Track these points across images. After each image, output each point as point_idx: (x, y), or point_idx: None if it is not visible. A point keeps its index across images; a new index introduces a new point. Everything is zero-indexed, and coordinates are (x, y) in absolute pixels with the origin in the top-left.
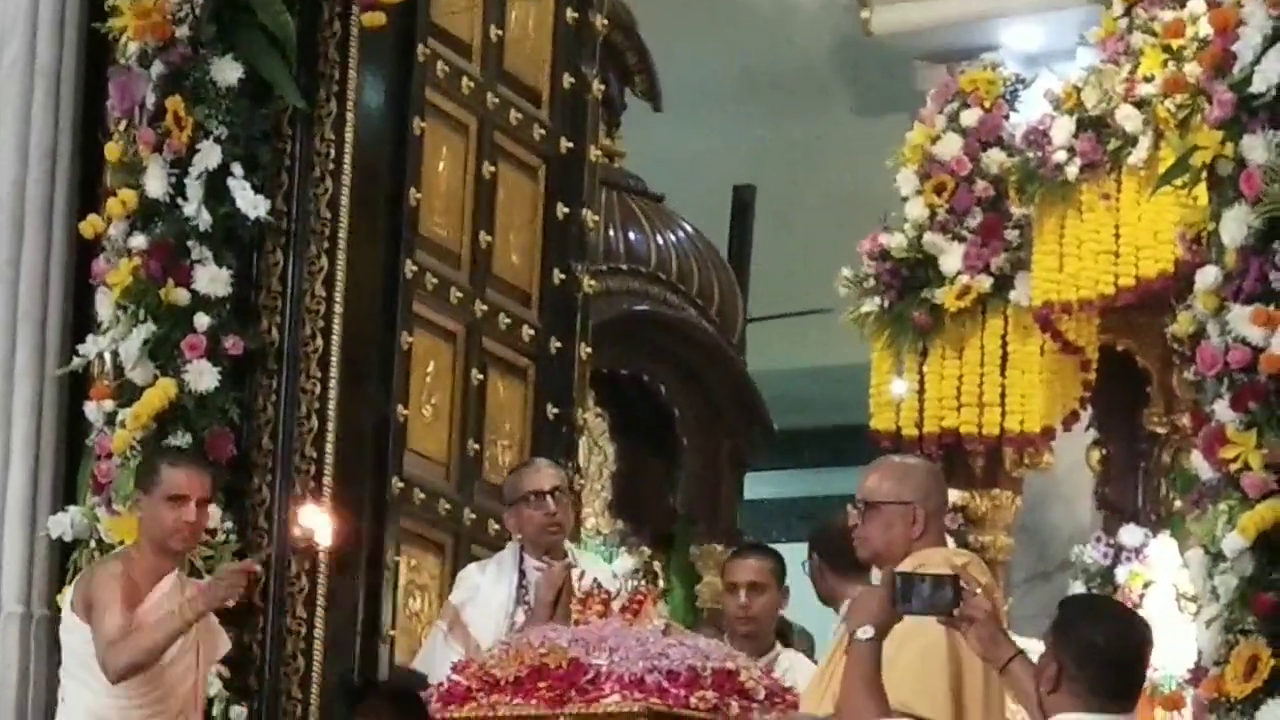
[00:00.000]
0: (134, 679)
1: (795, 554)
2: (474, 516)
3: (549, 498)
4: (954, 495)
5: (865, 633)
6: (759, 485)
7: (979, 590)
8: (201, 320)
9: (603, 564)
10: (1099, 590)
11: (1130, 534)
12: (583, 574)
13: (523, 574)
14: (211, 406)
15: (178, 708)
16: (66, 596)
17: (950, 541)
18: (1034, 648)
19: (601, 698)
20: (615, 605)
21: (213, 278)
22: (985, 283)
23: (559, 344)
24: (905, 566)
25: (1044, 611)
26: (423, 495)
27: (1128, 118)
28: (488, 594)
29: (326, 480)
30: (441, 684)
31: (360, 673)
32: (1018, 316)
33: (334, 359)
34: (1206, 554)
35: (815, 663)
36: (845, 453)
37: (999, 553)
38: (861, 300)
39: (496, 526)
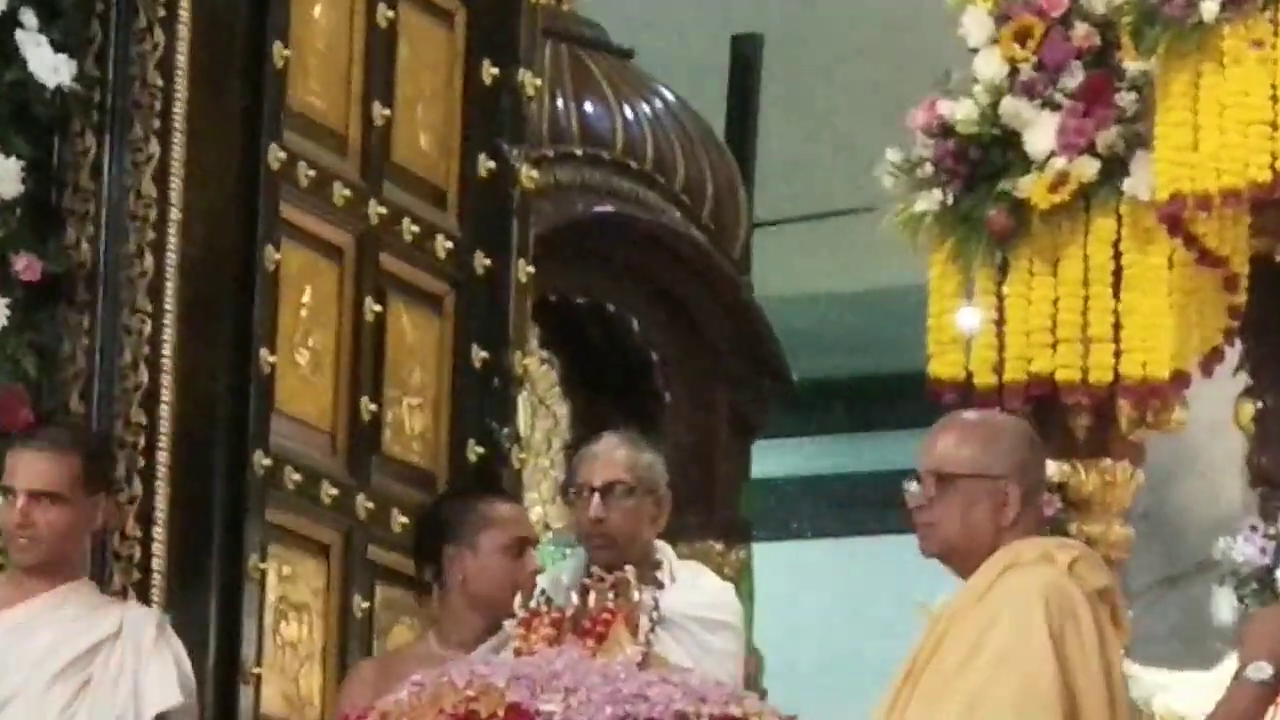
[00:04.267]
0: None
1: (827, 553)
2: (371, 506)
3: (595, 496)
4: (1049, 469)
5: (1260, 671)
6: (772, 458)
7: None
8: None
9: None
10: (1255, 600)
11: None
12: (640, 601)
13: (585, 590)
14: None
15: None
16: None
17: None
18: (1159, 682)
19: None
20: (571, 626)
21: None
22: (1089, 168)
23: (487, 261)
24: (994, 564)
25: (1175, 631)
26: (298, 476)
27: None
28: None
29: (161, 457)
30: None
31: None
32: (1135, 215)
33: (170, 286)
34: None
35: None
36: (892, 412)
37: (1111, 548)
38: (914, 196)
39: (404, 520)
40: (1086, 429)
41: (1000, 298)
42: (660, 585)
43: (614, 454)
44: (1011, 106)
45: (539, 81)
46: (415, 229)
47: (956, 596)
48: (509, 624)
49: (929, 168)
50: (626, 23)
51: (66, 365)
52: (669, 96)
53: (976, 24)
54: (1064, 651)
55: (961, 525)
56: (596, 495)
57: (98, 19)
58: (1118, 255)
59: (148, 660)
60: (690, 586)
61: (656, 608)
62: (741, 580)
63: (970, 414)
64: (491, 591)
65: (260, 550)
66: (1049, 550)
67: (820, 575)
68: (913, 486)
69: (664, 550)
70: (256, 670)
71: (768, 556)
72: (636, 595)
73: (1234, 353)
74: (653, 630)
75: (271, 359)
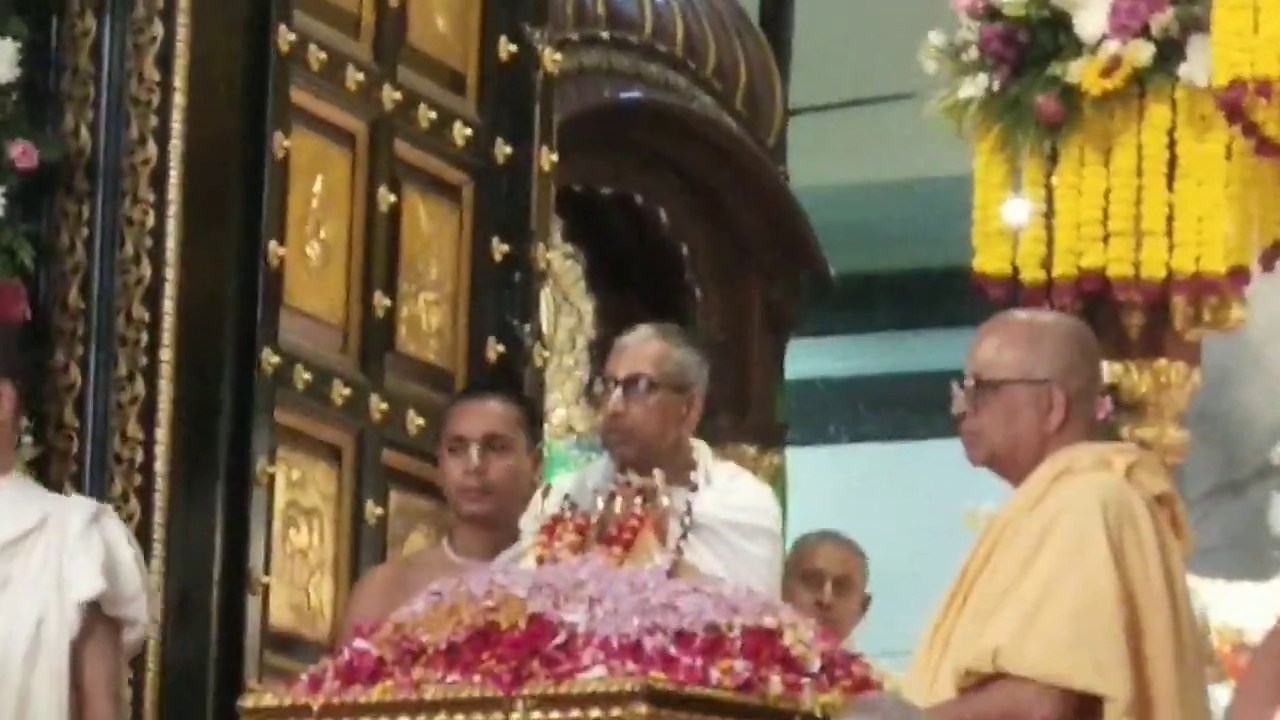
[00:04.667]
0: None
1: (867, 459)
2: (385, 407)
3: (616, 389)
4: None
5: None
6: (810, 358)
7: None
8: None
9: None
10: None
11: None
12: (670, 506)
13: (611, 495)
14: None
15: None
16: None
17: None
18: (1215, 594)
19: (577, 672)
20: (596, 534)
21: None
22: (1143, 52)
23: (508, 149)
24: (1047, 471)
25: (1233, 540)
26: (308, 376)
27: None
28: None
29: (164, 355)
30: (339, 652)
31: (224, 648)
32: (1192, 102)
33: (173, 174)
34: None
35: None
36: (937, 309)
37: (1167, 453)
38: (959, 81)
39: (420, 421)
40: (1140, 327)
41: (1049, 189)
42: (694, 487)
43: (643, 347)
44: None
45: None
46: (432, 115)
47: (1008, 505)
48: (529, 530)
49: (974, 52)
50: None
51: (65, 258)
52: None
53: None
54: (1124, 561)
55: (1006, 432)
56: (618, 388)
57: None
58: (1172, 144)
59: (74, 550)
60: (726, 489)
61: (689, 512)
62: (776, 487)
63: (1017, 314)
64: (447, 493)
65: (268, 453)
66: (1105, 455)
67: (860, 482)
68: (958, 391)
69: (700, 450)
70: (265, 579)
71: (804, 462)
72: (665, 501)
73: None
74: (684, 536)
75: (281, 252)
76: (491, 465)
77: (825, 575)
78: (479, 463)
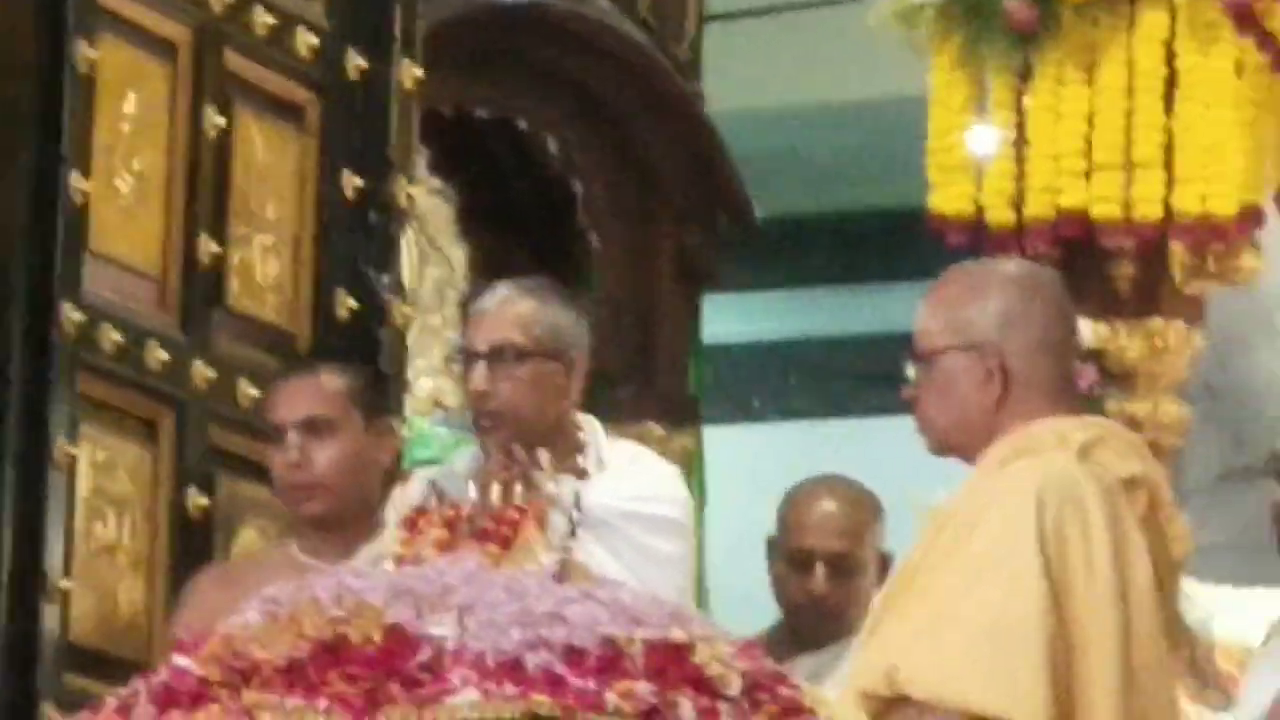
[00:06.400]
0: None
1: (798, 438)
2: (212, 375)
3: (480, 363)
4: (1082, 331)
5: None
6: (729, 318)
7: None
8: None
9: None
10: None
11: None
12: (554, 495)
13: (486, 483)
14: None
15: None
16: None
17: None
18: (1220, 600)
19: (445, 695)
20: (469, 528)
21: None
22: None
23: (362, 62)
24: (995, 454)
25: (1242, 537)
26: (118, 336)
27: None
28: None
29: None
30: (155, 672)
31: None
32: (1194, 6)
33: None
34: None
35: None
36: (884, 259)
37: (1161, 432)
38: None
39: (254, 392)
40: (1130, 280)
41: (1021, 112)
42: (583, 473)
43: (505, 310)
44: None
45: None
46: (270, 19)
47: (954, 497)
48: (393, 525)
49: None
50: None
51: None
52: None
53: None
54: (1062, 561)
55: (948, 413)
56: (482, 362)
57: None
58: (1170, 58)
59: None
60: (623, 474)
61: (577, 503)
62: (689, 472)
63: (962, 267)
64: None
65: (69, 430)
66: (1062, 432)
67: (790, 467)
68: (910, 371)
69: (589, 428)
70: (64, 584)
71: (722, 442)
72: (553, 487)
73: None
74: (573, 532)
75: (84, 186)
76: (315, 455)
77: (815, 555)
78: (298, 454)
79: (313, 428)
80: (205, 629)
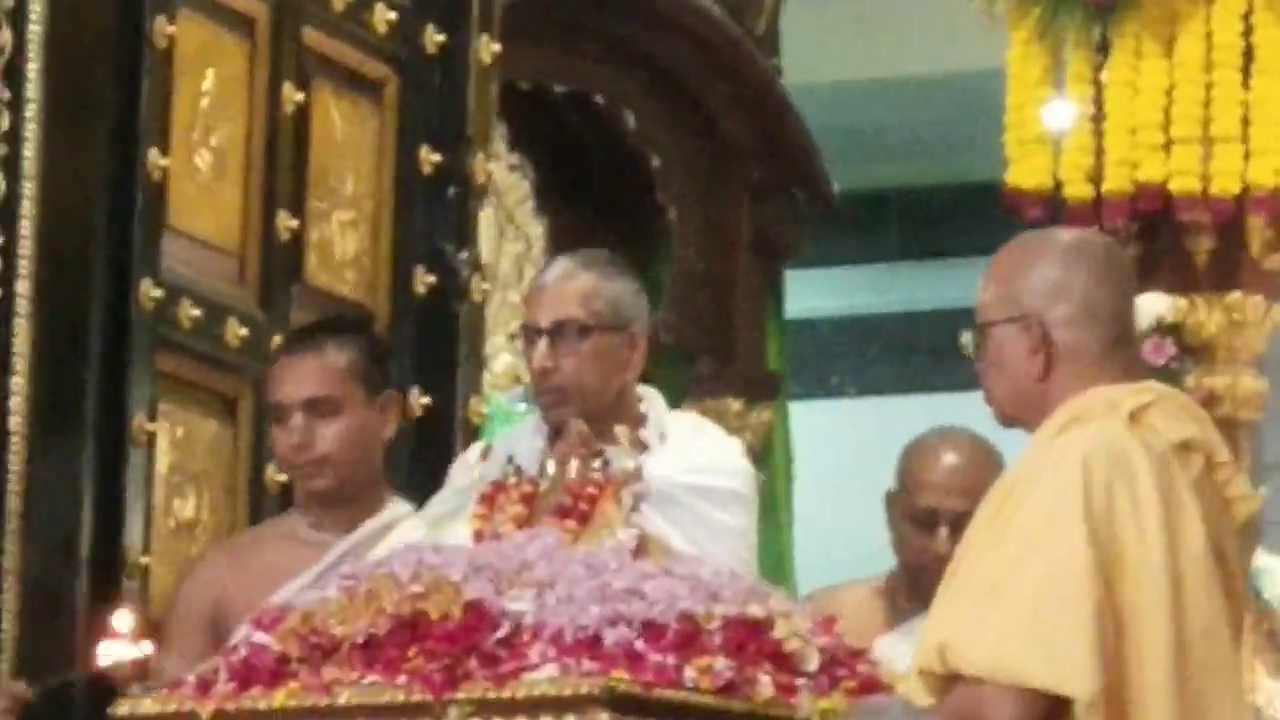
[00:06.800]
0: None
1: (877, 413)
2: None
3: (542, 340)
4: (1160, 305)
5: None
6: (809, 293)
7: None
8: None
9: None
10: None
11: None
12: (606, 466)
13: (565, 458)
14: None
15: None
16: None
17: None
18: None
19: (523, 671)
20: (546, 504)
21: None
22: None
23: (441, 38)
24: (1051, 425)
25: None
26: (197, 313)
27: None
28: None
29: (21, 287)
30: (234, 649)
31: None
32: None
33: (32, 68)
34: None
35: None
36: (963, 234)
37: (1239, 406)
38: None
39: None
40: (1208, 254)
41: (1098, 86)
42: (645, 447)
43: (565, 285)
44: None
45: None
46: None
47: (1011, 468)
48: (453, 490)
49: None
50: None
51: None
52: None
53: None
54: (1111, 529)
55: (1002, 384)
56: (544, 339)
57: None
58: (1249, 31)
59: None
60: (685, 447)
61: (639, 477)
62: (771, 447)
63: (1017, 240)
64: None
65: (148, 407)
66: (1113, 399)
67: (869, 443)
68: (966, 341)
69: (650, 400)
70: (144, 560)
71: (802, 418)
72: (629, 463)
73: None
74: (636, 507)
75: (163, 162)
76: (319, 435)
77: (938, 515)
78: (303, 436)
79: (316, 407)
80: (281, 607)
